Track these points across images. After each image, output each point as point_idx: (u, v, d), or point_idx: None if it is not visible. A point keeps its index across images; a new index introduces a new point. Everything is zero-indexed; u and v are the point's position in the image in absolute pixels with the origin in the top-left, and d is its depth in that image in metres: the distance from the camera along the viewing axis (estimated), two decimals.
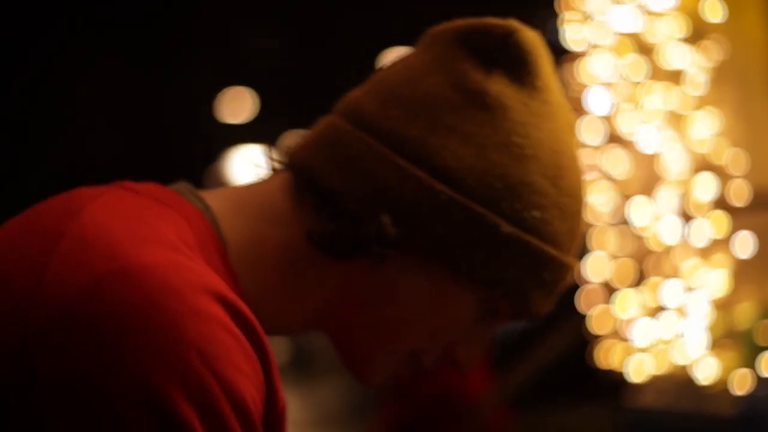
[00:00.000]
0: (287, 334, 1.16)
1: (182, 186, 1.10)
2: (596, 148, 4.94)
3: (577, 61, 4.98)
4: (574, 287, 5.24)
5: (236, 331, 0.94)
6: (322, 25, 10.25)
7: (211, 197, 1.10)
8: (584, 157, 4.99)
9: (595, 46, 4.87)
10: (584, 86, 4.95)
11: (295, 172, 1.11)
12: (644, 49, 4.65)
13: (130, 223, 0.98)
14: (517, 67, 1.11)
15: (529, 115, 1.10)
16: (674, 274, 4.58)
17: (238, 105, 12.67)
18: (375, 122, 1.09)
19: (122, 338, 0.88)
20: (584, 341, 5.14)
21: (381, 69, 1.17)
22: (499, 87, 1.10)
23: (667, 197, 4.60)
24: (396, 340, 1.12)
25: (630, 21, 4.69)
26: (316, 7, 10.07)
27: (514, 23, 1.14)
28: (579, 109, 5.02)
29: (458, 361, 1.16)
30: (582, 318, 5.02)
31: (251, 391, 0.94)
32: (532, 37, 1.13)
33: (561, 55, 5.09)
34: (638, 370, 4.73)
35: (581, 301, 5.03)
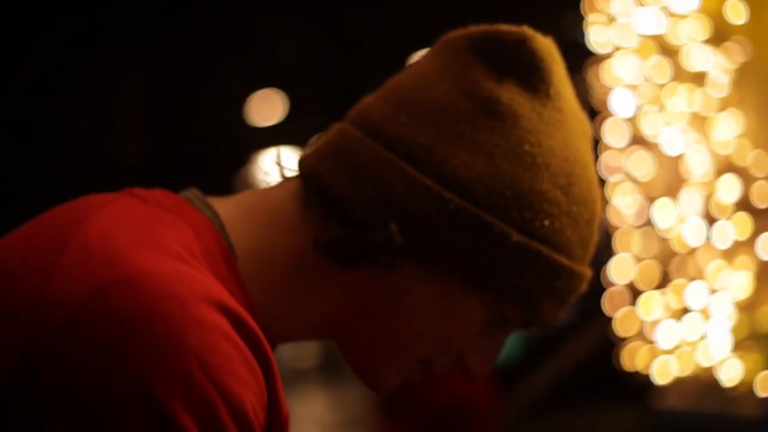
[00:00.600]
0: (297, 340, 1.16)
1: (191, 193, 1.10)
2: (620, 150, 4.94)
3: (601, 64, 4.98)
4: (600, 290, 5.25)
5: (238, 340, 0.94)
6: (352, 27, 10.28)
7: (220, 204, 1.10)
8: (608, 159, 4.99)
9: (618, 48, 4.87)
10: (608, 88, 4.95)
11: (305, 178, 1.11)
12: (667, 51, 4.64)
13: (134, 232, 0.98)
14: (529, 74, 1.11)
15: (540, 124, 1.09)
16: (698, 276, 4.57)
17: (268, 107, 12.72)
18: (384, 129, 1.08)
19: (124, 346, 0.89)
20: (610, 343, 5.14)
21: (394, 75, 1.15)
22: (511, 95, 1.09)
23: (690, 199, 4.59)
24: (405, 347, 1.11)
25: (653, 23, 4.68)
26: (346, 9, 10.09)
27: (527, 30, 1.13)
28: (604, 111, 5.03)
29: (469, 369, 1.14)
30: (607, 320, 5.02)
31: (251, 400, 0.94)
32: (545, 45, 1.12)
33: (587, 57, 5.10)
34: (663, 371, 4.72)
35: (606, 304, 5.03)
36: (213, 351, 0.91)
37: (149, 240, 0.97)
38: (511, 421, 5.12)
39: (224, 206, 1.09)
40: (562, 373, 5.07)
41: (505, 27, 1.13)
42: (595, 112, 5.26)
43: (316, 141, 1.14)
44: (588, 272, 1.14)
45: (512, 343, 11.57)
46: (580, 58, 5.17)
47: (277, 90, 12.46)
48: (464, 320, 1.10)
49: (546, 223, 1.08)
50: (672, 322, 4.68)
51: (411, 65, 1.15)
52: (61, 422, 0.90)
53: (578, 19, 5.15)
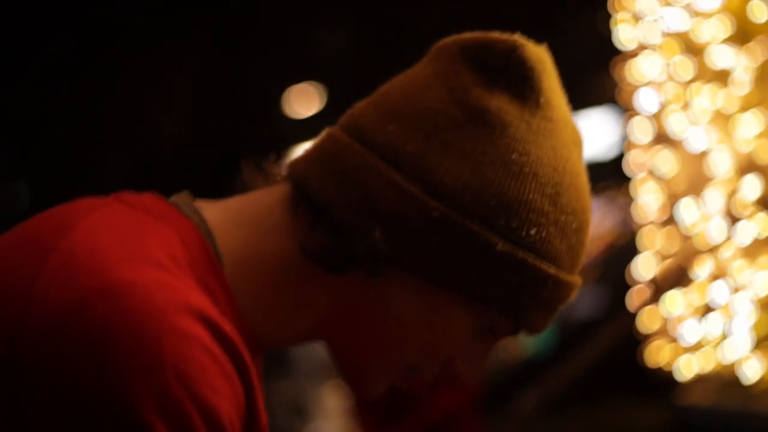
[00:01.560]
0: (285, 345, 1.16)
1: (181, 197, 1.11)
2: (645, 148, 4.96)
3: (628, 61, 5.00)
4: (625, 287, 5.27)
5: (216, 350, 0.95)
6: (391, 20, 10.28)
7: (209, 209, 1.10)
8: (634, 157, 5.02)
9: (644, 47, 4.89)
10: (635, 86, 4.97)
11: (294, 184, 1.10)
12: (692, 49, 4.66)
13: (118, 240, 0.99)
14: (519, 83, 1.10)
15: (529, 133, 1.08)
16: (721, 273, 4.58)
17: (305, 100, 12.74)
18: (373, 136, 1.08)
19: (102, 357, 0.90)
20: (634, 340, 5.16)
21: (388, 82, 1.15)
22: (500, 104, 1.08)
23: (714, 197, 4.60)
24: (391, 354, 1.11)
25: (678, 21, 4.70)
26: (385, 1, 10.09)
27: (518, 38, 1.12)
28: (630, 109, 5.05)
29: (458, 376, 1.18)
30: (632, 317, 5.04)
31: (227, 410, 0.95)
32: (536, 53, 1.11)
33: (616, 54, 5.12)
34: (686, 368, 4.75)
35: (630, 301, 5.06)
36: (189, 362, 0.92)
37: (133, 249, 0.98)
38: (537, 415, 5.15)
39: (212, 211, 1.09)
40: (586, 369, 5.08)
41: (496, 35, 1.12)
42: (622, 110, 5.28)
43: (307, 147, 1.14)
44: (577, 281, 1.13)
45: (543, 337, 11.56)
46: (611, 56, 5.20)
47: (315, 83, 12.48)
48: (451, 328, 1.09)
49: (532, 232, 1.07)
50: (695, 319, 4.70)
51: (405, 72, 1.14)
52: (37, 428, 0.91)
53: (608, 17, 5.17)
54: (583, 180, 1.13)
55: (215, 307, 0.99)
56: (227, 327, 0.97)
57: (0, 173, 12.25)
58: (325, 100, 12.65)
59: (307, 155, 1.11)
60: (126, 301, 0.92)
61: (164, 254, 0.99)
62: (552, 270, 1.08)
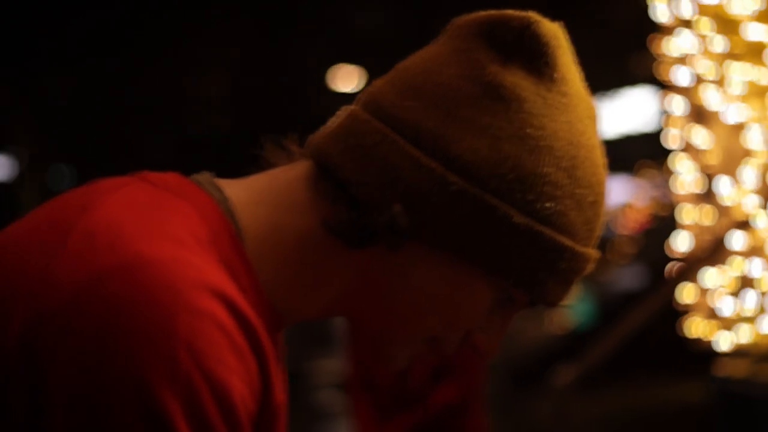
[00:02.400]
0: (308, 319, 1.17)
1: (203, 177, 1.12)
2: (682, 123, 5.00)
3: (665, 36, 5.03)
4: (664, 260, 5.32)
5: (230, 327, 0.96)
6: (434, 5, 10.28)
7: (231, 187, 1.11)
8: (672, 132, 5.06)
9: (681, 21, 4.92)
10: (671, 62, 5.01)
11: (315, 161, 1.11)
12: (728, 24, 4.68)
13: (139, 217, 1.00)
14: (534, 58, 1.11)
15: (544, 107, 1.10)
16: (757, 247, 4.62)
17: (346, 82, 12.77)
18: (392, 112, 1.09)
19: (115, 330, 0.92)
20: (673, 313, 5.21)
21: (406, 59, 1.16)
22: (516, 79, 1.09)
23: (750, 172, 4.64)
24: (412, 326, 1.12)
25: None
26: None
27: (533, 15, 1.12)
28: (668, 85, 5.09)
29: (478, 347, 1.17)
30: (671, 291, 5.08)
31: (240, 387, 0.96)
32: (550, 29, 1.12)
33: (646, 32, 5.15)
34: (724, 341, 4.80)
35: (670, 275, 5.10)
36: (202, 338, 0.93)
37: (153, 226, 0.99)
38: (576, 389, 5.21)
39: (234, 189, 1.11)
40: (625, 342, 5.13)
41: (511, 12, 1.13)
42: (662, 86, 5.32)
43: (328, 124, 1.15)
44: (594, 253, 1.14)
45: (584, 311, 11.58)
46: (650, 31, 5.23)
47: (356, 66, 12.49)
48: (470, 300, 1.11)
49: (549, 205, 1.08)
50: (733, 292, 4.75)
51: (423, 50, 1.16)
52: (54, 399, 0.93)
53: None
54: (599, 154, 1.14)
55: (234, 284, 1.01)
56: (244, 305, 0.99)
57: (44, 156, 12.38)
58: (364, 80, 12.65)
59: (328, 133, 1.12)
60: (142, 277, 0.94)
61: (184, 231, 1.01)
62: (568, 242, 1.10)
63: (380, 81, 1.14)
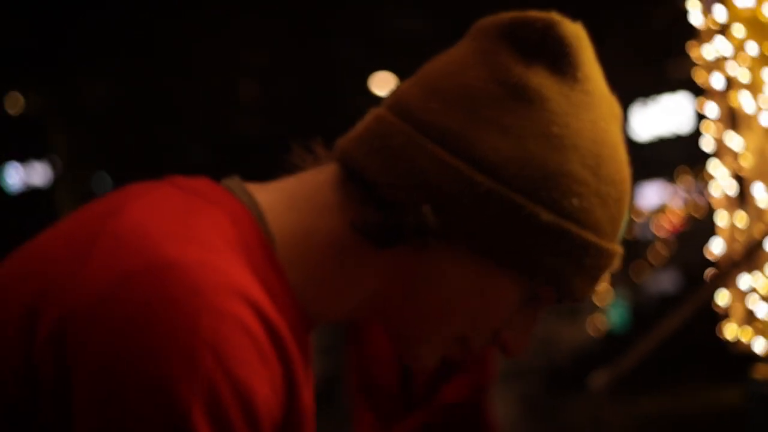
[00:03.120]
0: (339, 320, 1.19)
1: (233, 181, 1.13)
2: (719, 127, 5.01)
3: (703, 41, 5.05)
4: (701, 264, 5.32)
5: (255, 331, 0.97)
6: (470, 10, 10.28)
7: (261, 191, 1.12)
8: (709, 136, 5.07)
9: (719, 25, 4.93)
10: (708, 66, 5.02)
11: (342, 163, 1.12)
12: (763, 28, 4.69)
13: (167, 221, 1.01)
14: (557, 58, 1.12)
15: (568, 106, 1.11)
16: None
17: (382, 88, 12.76)
18: (417, 115, 1.10)
19: (140, 332, 0.94)
20: (711, 317, 5.21)
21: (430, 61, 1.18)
22: (539, 79, 1.11)
23: None
24: (441, 325, 1.14)
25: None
26: None
27: (554, 15, 1.14)
28: (705, 89, 5.11)
29: (506, 346, 1.17)
30: (709, 293, 5.09)
31: (264, 390, 0.97)
32: (572, 29, 1.14)
33: (692, 35, 5.17)
34: (761, 344, 4.81)
35: (705, 275, 5.10)
36: (225, 340, 0.94)
37: (181, 230, 1.01)
38: (612, 392, 5.23)
39: (264, 193, 1.12)
40: (661, 346, 5.14)
41: (533, 13, 1.14)
42: (698, 91, 5.33)
43: (355, 127, 1.16)
44: (618, 249, 1.16)
45: (619, 315, 11.54)
46: (688, 37, 5.25)
47: (393, 73, 12.48)
48: (498, 298, 1.12)
49: (575, 202, 1.09)
50: (767, 296, 4.76)
51: (446, 52, 1.17)
52: (79, 397, 0.95)
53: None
54: (623, 152, 1.16)
55: (262, 288, 1.02)
56: (270, 309, 1.00)
57: (80, 162, 12.46)
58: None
59: (355, 135, 1.14)
60: (167, 279, 0.95)
61: (213, 235, 1.02)
62: (594, 239, 1.11)
63: (406, 84, 1.16)
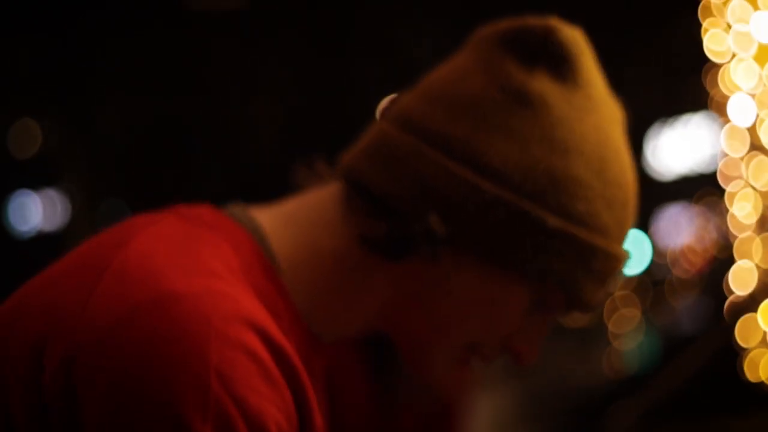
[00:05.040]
0: (349, 337, 1.19)
1: (235, 206, 1.14)
2: (740, 158, 4.90)
3: (719, 71, 4.95)
4: (721, 298, 5.21)
5: (263, 356, 0.97)
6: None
7: (262, 214, 1.13)
8: (727, 167, 4.96)
9: (735, 56, 4.84)
10: (726, 95, 4.92)
11: (345, 178, 1.13)
12: None
13: (171, 252, 1.02)
14: (558, 64, 1.13)
15: (571, 110, 1.11)
16: None
17: None
18: (421, 124, 1.11)
19: (149, 364, 0.94)
20: (734, 353, 5.09)
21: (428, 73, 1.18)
22: (541, 84, 1.11)
23: None
24: (452, 334, 1.14)
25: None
26: (480, 11, 10.08)
27: (553, 21, 1.15)
28: (722, 118, 5.00)
29: (518, 354, 1.17)
30: (729, 329, 4.98)
31: (274, 414, 0.97)
32: (572, 35, 1.14)
33: (704, 63, 5.07)
34: None
35: (726, 312, 4.99)
36: (234, 367, 0.95)
37: (185, 260, 1.01)
38: (633, 429, 5.11)
39: (266, 216, 1.13)
40: (684, 383, 5.04)
41: (532, 19, 1.15)
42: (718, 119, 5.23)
43: (355, 144, 1.17)
44: (625, 253, 1.15)
45: (647, 352, 11.42)
46: (698, 64, 5.15)
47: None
48: (508, 305, 1.12)
49: (581, 206, 1.10)
50: None
51: (446, 62, 1.18)
52: (90, 430, 0.95)
53: (695, 25, 5.12)
54: (627, 156, 1.16)
55: (267, 313, 1.02)
56: (277, 333, 1.00)
57: (96, 192, 12.49)
58: None
59: (357, 150, 1.14)
60: (174, 310, 0.96)
61: (216, 263, 1.03)
62: (602, 242, 1.11)
63: (406, 95, 1.16)
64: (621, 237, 1.14)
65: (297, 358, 1.02)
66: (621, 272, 1.17)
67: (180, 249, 1.03)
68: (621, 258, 1.15)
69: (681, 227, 15.23)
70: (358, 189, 1.11)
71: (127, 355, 0.94)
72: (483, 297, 1.11)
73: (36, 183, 13.55)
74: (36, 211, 14.06)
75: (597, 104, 1.14)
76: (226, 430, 0.94)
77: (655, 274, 15.00)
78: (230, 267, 1.04)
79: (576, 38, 1.15)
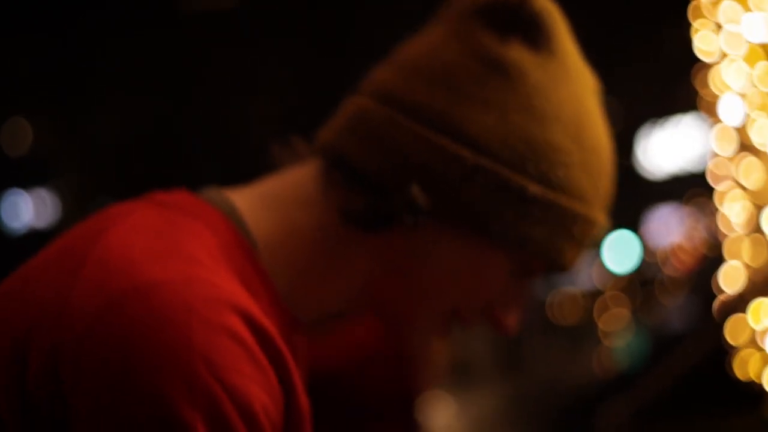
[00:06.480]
0: (332, 315, 1.20)
1: (211, 190, 1.13)
2: (729, 158, 4.93)
3: (708, 71, 4.98)
4: (710, 297, 5.23)
5: (246, 338, 0.98)
6: None
7: (238, 196, 1.13)
8: (717, 167, 4.98)
9: (726, 56, 4.86)
10: (716, 95, 4.94)
11: (324, 154, 1.13)
12: None
13: (150, 240, 1.02)
14: (532, 32, 1.13)
15: (547, 79, 1.12)
16: None
17: None
18: (398, 97, 1.11)
19: (133, 354, 0.94)
20: (723, 352, 5.12)
21: (402, 46, 1.18)
22: (517, 54, 1.12)
23: None
24: (434, 302, 1.15)
25: (761, 30, 4.66)
26: None
27: None
28: (712, 118, 5.02)
29: (499, 321, 1.18)
30: (718, 328, 5.00)
31: (261, 397, 0.98)
32: (546, 4, 1.15)
33: (694, 63, 5.10)
34: None
35: (716, 311, 5.02)
36: (218, 351, 0.95)
37: (163, 248, 1.01)
38: (626, 429, 5.13)
39: (242, 198, 1.13)
40: (674, 381, 5.06)
41: None
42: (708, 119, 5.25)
43: (330, 120, 1.17)
44: (603, 218, 1.17)
45: (636, 351, 11.44)
46: (687, 64, 5.18)
47: None
48: (489, 272, 1.14)
49: (560, 173, 1.11)
50: None
51: (419, 34, 1.18)
52: (78, 425, 0.95)
53: (685, 26, 5.15)
54: (602, 123, 1.17)
55: (248, 296, 1.02)
56: (259, 315, 1.00)
57: (89, 191, 12.47)
58: None
59: (334, 126, 1.15)
60: (156, 298, 0.96)
61: (196, 248, 1.03)
62: (581, 208, 1.13)
63: (381, 69, 1.16)
64: (600, 202, 1.16)
65: (280, 340, 1.02)
66: (599, 236, 1.18)
67: (158, 236, 1.03)
68: (600, 223, 1.16)
69: (671, 227, 15.25)
70: (338, 164, 1.11)
71: (111, 346, 0.94)
72: (464, 265, 1.12)
73: (27, 182, 13.54)
74: (27, 210, 14.05)
75: (572, 73, 1.15)
76: (216, 415, 0.94)
77: (646, 273, 15.02)
78: (210, 251, 1.03)
79: (550, 8, 1.15)
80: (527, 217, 1.10)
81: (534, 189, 1.09)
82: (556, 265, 1.15)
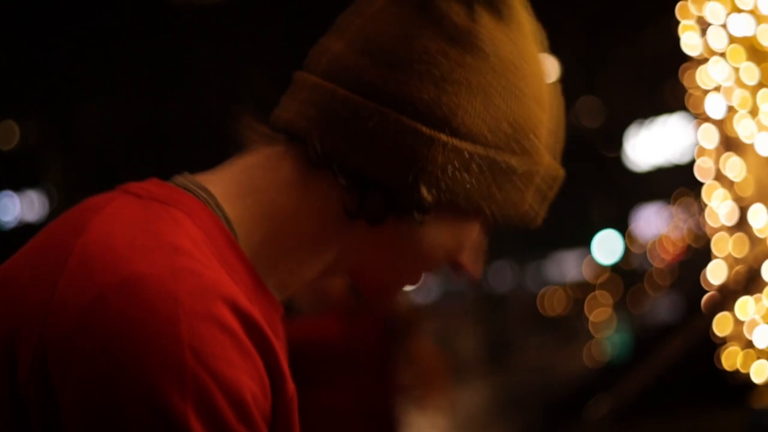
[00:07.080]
0: (312, 283, 1.19)
1: (184, 177, 1.14)
2: (714, 153, 4.97)
3: (694, 68, 5.01)
4: (700, 292, 5.27)
5: (233, 327, 0.98)
6: None
7: (214, 183, 1.13)
8: (703, 162, 5.03)
9: (711, 52, 4.90)
10: (702, 92, 4.98)
11: (300, 143, 1.13)
12: (759, 54, 4.66)
13: (131, 232, 1.02)
14: (493, 1, 1.15)
15: (515, 50, 1.14)
16: None
17: None
18: (381, 88, 1.10)
19: (122, 347, 0.95)
20: (710, 344, 5.16)
21: (353, 18, 1.17)
22: (487, 30, 1.13)
23: None
24: (415, 272, 1.20)
25: (745, 27, 4.70)
26: None
27: None
28: (699, 115, 5.06)
29: (464, 268, 1.22)
30: (706, 321, 5.04)
31: (248, 384, 0.99)
32: None
33: (681, 61, 5.13)
34: (760, 372, 4.75)
35: (703, 306, 5.06)
36: (205, 340, 0.96)
37: (146, 239, 1.02)
38: (611, 421, 5.17)
39: (218, 185, 1.13)
40: (659, 374, 5.09)
41: None
42: (694, 116, 5.29)
43: (291, 101, 1.16)
44: (561, 168, 1.22)
45: (620, 343, 11.49)
46: (676, 62, 5.22)
47: None
48: (469, 236, 1.18)
49: (539, 142, 1.16)
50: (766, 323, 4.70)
51: (373, 8, 1.16)
52: (70, 419, 0.96)
53: (673, 24, 5.18)
54: (545, 71, 1.20)
55: (234, 284, 1.03)
56: (245, 302, 1.01)
57: (76, 192, 12.44)
58: None
59: (307, 114, 1.13)
60: (142, 290, 0.96)
61: (178, 238, 1.03)
62: (555, 169, 1.20)
63: (338, 48, 1.15)
64: (558, 155, 1.21)
65: (267, 327, 1.03)
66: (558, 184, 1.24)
67: (140, 227, 1.03)
68: (562, 174, 1.22)
69: (658, 220, 15.28)
70: (326, 159, 1.11)
71: (99, 341, 0.95)
72: (448, 238, 1.16)
73: (16, 182, 13.50)
74: (15, 209, 14.02)
75: (526, 32, 1.17)
76: (206, 404, 0.95)
77: (633, 266, 15.04)
78: (193, 240, 1.04)
79: None
80: (516, 191, 1.15)
81: (522, 166, 1.14)
82: (529, 221, 1.20)
